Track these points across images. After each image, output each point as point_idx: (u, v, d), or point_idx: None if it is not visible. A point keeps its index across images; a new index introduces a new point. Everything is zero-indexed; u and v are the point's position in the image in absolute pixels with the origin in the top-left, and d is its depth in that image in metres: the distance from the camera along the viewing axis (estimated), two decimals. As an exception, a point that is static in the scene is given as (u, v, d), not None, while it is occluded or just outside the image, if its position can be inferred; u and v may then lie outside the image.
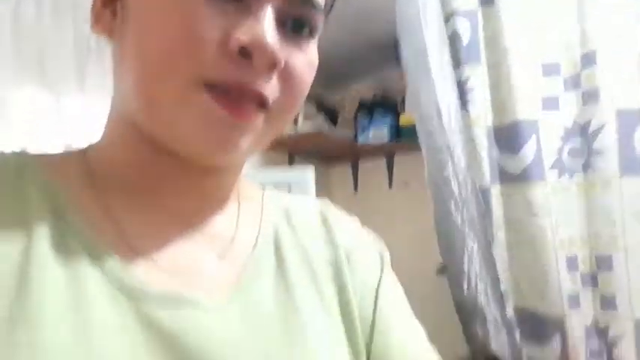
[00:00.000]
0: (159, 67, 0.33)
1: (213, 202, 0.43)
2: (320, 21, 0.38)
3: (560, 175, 1.24)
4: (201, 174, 0.40)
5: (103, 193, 0.38)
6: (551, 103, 1.23)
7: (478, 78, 1.28)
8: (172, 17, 0.33)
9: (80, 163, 0.40)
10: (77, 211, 0.36)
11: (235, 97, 0.34)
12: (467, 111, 1.28)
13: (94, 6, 0.39)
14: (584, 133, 1.22)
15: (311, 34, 0.38)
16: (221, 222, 0.42)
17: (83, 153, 0.41)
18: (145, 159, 0.39)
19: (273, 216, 0.46)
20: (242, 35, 0.32)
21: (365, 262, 0.47)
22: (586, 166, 1.22)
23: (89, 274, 0.33)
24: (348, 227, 0.50)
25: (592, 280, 1.24)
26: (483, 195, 1.29)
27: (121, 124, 0.39)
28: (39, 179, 0.36)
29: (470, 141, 1.30)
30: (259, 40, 0.32)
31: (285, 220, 0.47)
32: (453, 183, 1.26)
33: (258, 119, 0.36)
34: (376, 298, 0.46)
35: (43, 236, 0.33)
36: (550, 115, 1.23)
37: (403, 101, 1.97)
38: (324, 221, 0.49)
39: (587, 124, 1.20)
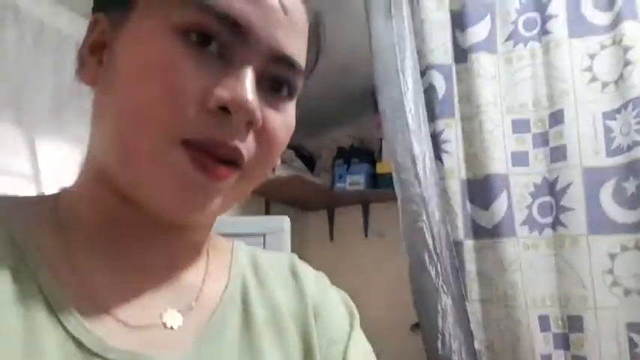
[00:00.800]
0: (137, 121, 0.33)
1: (182, 257, 0.42)
2: (300, 82, 0.39)
3: (530, 231, 1.24)
4: (171, 230, 0.39)
5: (69, 244, 0.37)
6: (521, 159, 1.25)
7: (452, 131, 1.30)
8: (155, 72, 0.33)
9: (50, 210, 0.39)
10: (42, 261, 0.34)
11: (211, 154, 0.34)
12: (441, 163, 1.30)
13: (80, 51, 0.39)
14: (552, 189, 1.23)
15: (290, 94, 0.39)
16: (189, 275, 0.41)
17: (55, 199, 0.40)
18: (114, 211, 0.38)
19: (242, 268, 0.45)
20: (222, 92, 0.33)
21: (333, 320, 0.46)
22: (555, 223, 1.23)
23: (47, 328, 0.31)
24: (318, 282, 0.49)
25: (564, 341, 1.21)
26: (457, 249, 1.28)
27: (94, 173, 0.38)
28: (6, 224, 0.35)
29: (444, 193, 1.30)
30: (239, 97, 0.33)
31: (253, 272, 0.46)
32: (427, 235, 1.24)
33: (232, 178, 0.36)
34: (345, 357, 0.44)
35: (2, 283, 0.32)
36: (520, 171, 1.25)
37: (381, 150, 1.99)
38: (294, 274, 0.48)
39: (555, 181, 1.22)
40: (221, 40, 0.34)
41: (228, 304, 0.41)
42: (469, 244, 1.29)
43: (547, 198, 1.23)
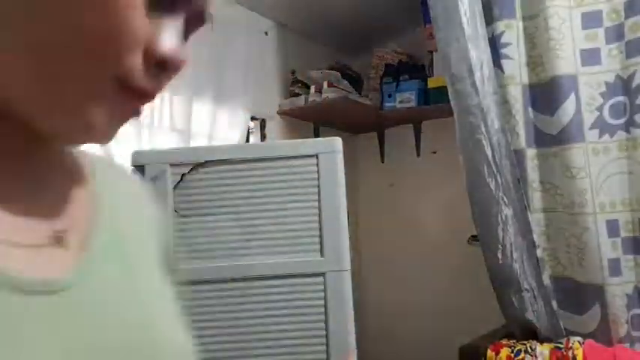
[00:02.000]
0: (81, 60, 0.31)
1: (53, 176, 0.40)
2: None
3: (600, 134, 1.17)
4: (44, 148, 0.38)
5: None
6: (591, 57, 1.15)
7: (513, 33, 1.20)
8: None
9: None
10: None
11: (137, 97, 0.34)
12: (501, 69, 1.22)
13: None
14: (627, 88, 1.14)
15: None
16: (60, 195, 0.40)
17: None
18: None
19: (103, 185, 0.45)
20: (163, 48, 0.33)
21: (163, 226, 0.49)
22: (628, 124, 1.15)
23: None
24: (149, 195, 0.51)
25: (634, 245, 1.18)
26: (518, 158, 1.24)
27: None
28: None
29: (504, 101, 1.23)
30: (177, 54, 0.33)
31: (112, 185, 0.46)
32: (485, 146, 1.20)
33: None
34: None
35: None
36: (590, 70, 1.16)
37: (431, 64, 1.90)
38: (139, 189, 0.50)
39: (631, 78, 1.12)
40: None
41: (101, 223, 0.40)
42: (531, 153, 1.24)
43: (620, 98, 1.14)
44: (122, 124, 0.35)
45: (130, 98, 0.33)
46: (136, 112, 0.35)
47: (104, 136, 0.35)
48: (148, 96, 0.34)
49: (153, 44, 0.32)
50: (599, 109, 1.16)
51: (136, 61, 0.32)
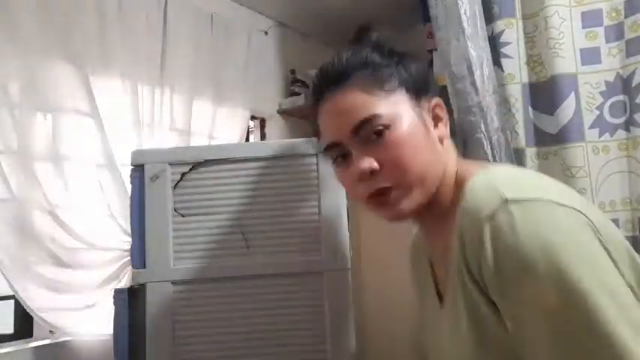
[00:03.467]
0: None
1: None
2: (384, 119, 0.62)
3: (600, 134, 1.17)
4: None
5: None
6: (591, 56, 1.15)
7: (513, 31, 1.20)
8: None
9: None
10: None
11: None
12: (501, 68, 1.22)
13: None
14: (626, 87, 1.14)
15: (385, 129, 0.62)
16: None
17: None
18: None
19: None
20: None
21: None
22: (628, 123, 1.15)
23: None
24: None
25: (634, 244, 1.17)
26: (518, 157, 1.24)
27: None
28: None
29: (503, 101, 1.23)
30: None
31: None
32: (485, 145, 1.20)
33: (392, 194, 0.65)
34: None
35: None
36: (590, 69, 1.16)
37: (431, 63, 1.89)
38: None
39: (631, 77, 1.12)
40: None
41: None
42: (531, 152, 1.24)
43: (620, 97, 1.14)
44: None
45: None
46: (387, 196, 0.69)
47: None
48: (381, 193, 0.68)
49: None
50: (599, 108, 1.16)
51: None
